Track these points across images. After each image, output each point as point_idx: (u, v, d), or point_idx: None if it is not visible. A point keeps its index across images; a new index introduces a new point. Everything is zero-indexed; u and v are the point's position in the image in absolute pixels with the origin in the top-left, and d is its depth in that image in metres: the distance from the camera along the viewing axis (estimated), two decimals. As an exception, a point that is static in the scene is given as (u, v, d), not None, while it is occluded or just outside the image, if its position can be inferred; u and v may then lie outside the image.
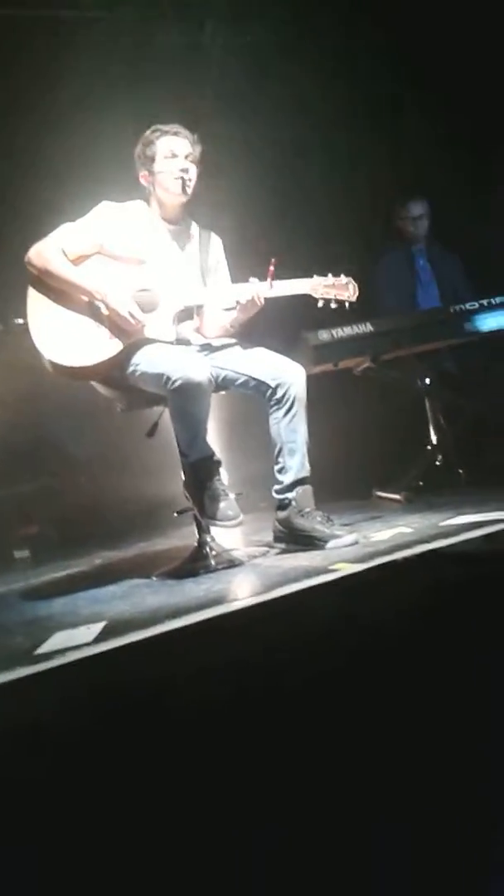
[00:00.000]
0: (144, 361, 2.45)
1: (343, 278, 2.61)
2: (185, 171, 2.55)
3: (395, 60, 4.09)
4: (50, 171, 4.22)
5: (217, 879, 1.17)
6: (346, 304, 2.61)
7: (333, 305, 2.60)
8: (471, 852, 1.25)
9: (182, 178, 2.54)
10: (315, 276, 2.58)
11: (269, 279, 2.50)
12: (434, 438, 3.52)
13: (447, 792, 1.34)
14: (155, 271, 2.54)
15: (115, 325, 2.48)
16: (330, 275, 2.60)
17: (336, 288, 2.59)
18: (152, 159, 2.57)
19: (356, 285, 2.62)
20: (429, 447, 3.51)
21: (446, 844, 1.25)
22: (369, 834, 1.26)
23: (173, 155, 2.56)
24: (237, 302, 2.54)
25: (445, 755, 1.43)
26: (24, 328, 2.51)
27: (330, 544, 2.36)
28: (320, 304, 2.59)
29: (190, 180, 2.56)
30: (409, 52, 4.07)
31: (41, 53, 4.10)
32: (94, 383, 2.65)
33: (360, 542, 2.33)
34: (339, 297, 2.59)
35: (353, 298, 2.61)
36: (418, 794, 1.34)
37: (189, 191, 2.57)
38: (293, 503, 2.48)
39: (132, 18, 4.34)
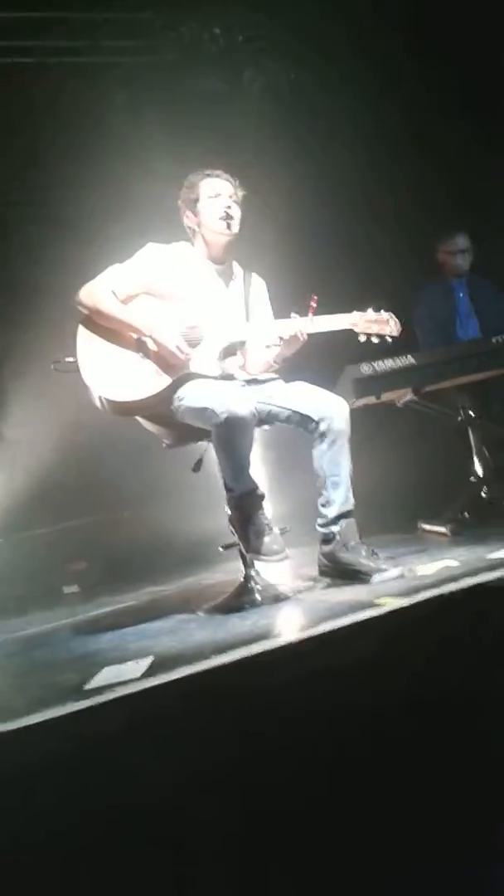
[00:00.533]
0: (189, 396, 2.50)
1: (384, 314, 2.63)
2: (229, 208, 2.62)
3: (437, 94, 4.13)
4: (96, 215, 4.36)
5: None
6: (388, 339, 2.63)
7: (375, 340, 2.62)
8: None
9: (227, 213, 2.61)
10: (355, 311, 2.61)
11: (310, 314, 2.54)
12: (479, 470, 3.49)
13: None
14: (200, 309, 2.60)
15: (162, 359, 2.54)
16: (370, 309, 2.62)
17: (378, 323, 2.62)
18: (196, 200, 2.65)
19: (397, 320, 2.64)
20: (473, 479, 3.48)
21: None
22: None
23: (217, 195, 2.63)
24: (280, 338, 2.58)
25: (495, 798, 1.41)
26: (75, 366, 2.59)
27: (375, 578, 2.35)
28: (362, 338, 2.62)
29: (234, 218, 2.62)
30: (455, 84, 4.12)
31: (82, 98, 4.26)
32: (140, 420, 2.70)
33: (405, 575, 2.32)
34: (381, 332, 2.62)
35: (396, 333, 2.64)
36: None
37: (234, 228, 2.63)
38: (337, 537, 2.48)
39: (173, 63, 4.50)
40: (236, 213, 2.64)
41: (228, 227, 2.62)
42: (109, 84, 4.37)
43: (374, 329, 2.61)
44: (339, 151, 4.28)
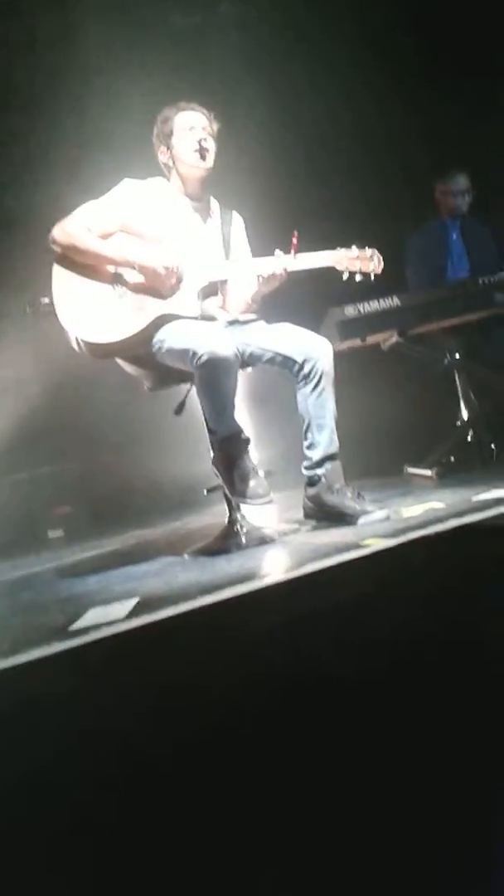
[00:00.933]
0: (170, 337, 2.44)
1: (367, 250, 2.56)
2: (204, 140, 2.55)
3: (425, 30, 4.00)
4: (69, 152, 4.22)
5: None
6: (372, 276, 2.57)
7: (358, 278, 2.55)
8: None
9: (200, 146, 2.54)
10: (339, 248, 2.55)
11: (292, 252, 2.47)
12: (464, 414, 3.49)
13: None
14: (178, 247, 2.53)
15: (145, 290, 2.47)
16: (354, 246, 2.55)
17: (360, 260, 2.55)
18: (170, 134, 2.57)
19: (381, 257, 2.57)
20: (459, 423, 3.48)
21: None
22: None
23: (191, 128, 2.56)
24: (259, 276, 2.52)
25: (473, 742, 1.42)
26: (51, 308, 2.52)
27: (361, 520, 2.35)
28: (345, 276, 2.55)
29: (208, 150, 2.55)
30: (441, 22, 3.98)
31: (54, 32, 4.09)
32: (120, 362, 2.65)
33: (391, 517, 2.32)
34: (364, 270, 2.55)
35: (378, 270, 2.56)
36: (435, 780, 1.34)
37: (208, 160, 2.56)
38: (323, 479, 2.47)
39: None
40: (211, 146, 2.57)
41: (203, 158, 2.55)
42: (82, 17, 4.18)
43: (358, 266, 2.54)
44: (323, 82, 4.15)
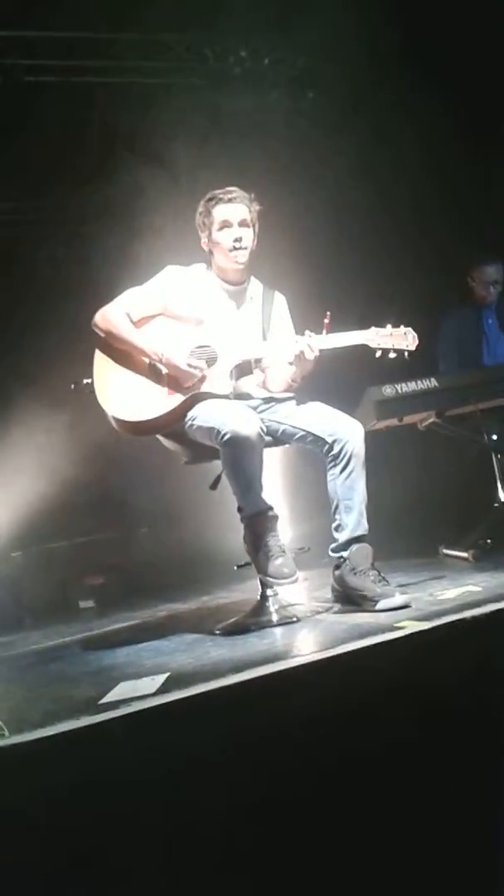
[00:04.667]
0: (200, 415, 2.50)
1: (401, 328, 2.58)
2: (239, 240, 2.60)
3: (464, 121, 4.15)
4: (120, 236, 4.41)
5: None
6: (406, 354, 2.58)
7: (392, 355, 2.56)
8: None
9: (235, 248, 2.59)
10: (372, 327, 2.58)
11: (324, 331, 2.52)
12: (502, 496, 3.45)
13: None
14: (213, 329, 2.61)
15: (175, 381, 2.55)
16: (388, 325, 2.58)
17: (394, 338, 2.57)
18: (209, 225, 2.65)
19: (415, 334, 2.58)
20: (496, 504, 3.44)
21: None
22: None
23: (227, 224, 2.61)
24: (293, 355, 2.56)
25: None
26: (91, 388, 2.61)
27: (380, 604, 2.30)
28: (378, 354, 2.56)
29: (244, 248, 2.61)
30: (480, 113, 4.14)
31: (106, 118, 4.29)
32: (159, 437, 2.71)
33: (411, 604, 2.25)
34: (398, 347, 2.56)
35: (413, 347, 2.57)
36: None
37: (242, 260, 2.62)
38: (347, 561, 2.44)
39: (198, 85, 4.55)
40: (248, 239, 2.62)
41: (237, 260, 2.61)
42: (134, 105, 4.42)
43: (391, 343, 2.56)
44: (363, 172, 4.31)
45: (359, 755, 1.48)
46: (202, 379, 2.55)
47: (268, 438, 2.52)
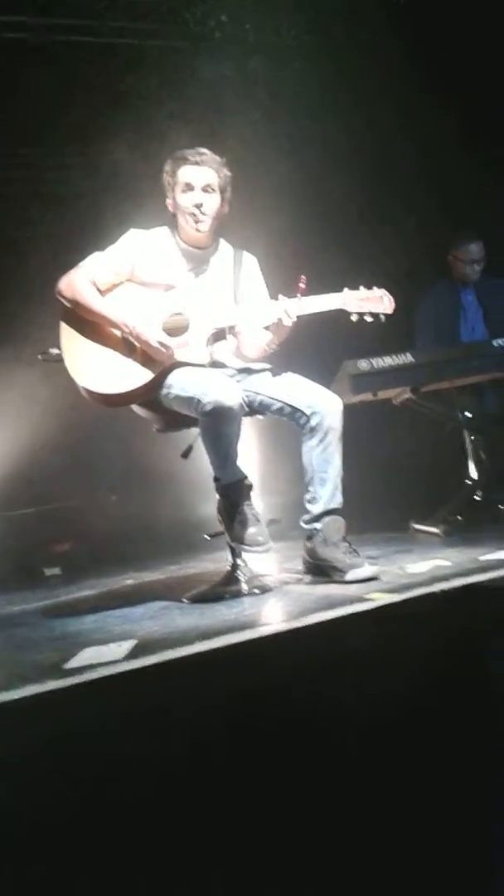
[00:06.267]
0: (176, 385, 2.45)
1: (376, 290, 2.52)
2: (199, 206, 2.51)
3: (454, 98, 4.11)
4: (85, 197, 4.32)
5: None
6: (382, 317, 2.52)
7: (368, 319, 2.50)
8: None
9: (195, 213, 2.52)
10: (346, 289, 2.52)
11: (298, 295, 2.46)
12: (474, 472, 3.47)
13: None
14: (184, 295, 2.54)
15: (147, 354, 2.49)
16: (362, 287, 2.52)
17: (370, 301, 2.50)
18: (173, 187, 2.57)
19: (391, 297, 2.52)
20: (468, 481, 3.46)
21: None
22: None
23: (190, 188, 2.53)
24: (271, 321, 2.52)
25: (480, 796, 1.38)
26: (60, 358, 2.53)
27: (349, 575, 2.29)
28: (354, 318, 2.51)
29: (204, 215, 2.52)
30: (466, 85, 4.10)
31: (83, 78, 4.18)
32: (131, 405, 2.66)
33: (380, 576, 2.25)
34: (374, 311, 2.50)
35: (389, 310, 2.52)
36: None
37: (203, 229, 2.54)
38: (319, 533, 2.43)
39: (178, 48, 4.45)
40: (210, 206, 2.53)
41: (196, 227, 2.53)
42: (112, 66, 4.30)
43: (367, 307, 2.49)
44: (343, 140, 4.26)
45: (325, 724, 1.48)
46: (171, 354, 2.49)
47: (245, 408, 2.49)
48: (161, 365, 2.48)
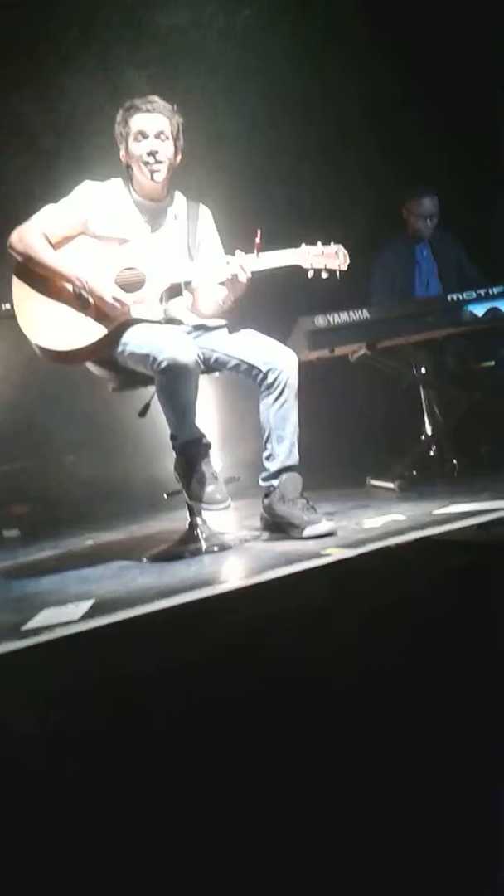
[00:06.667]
0: (132, 342, 2.42)
1: (332, 246, 2.51)
2: (154, 153, 2.46)
3: (404, 58, 4.05)
4: (38, 148, 4.19)
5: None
6: (337, 273, 2.51)
7: (324, 275, 2.50)
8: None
9: (148, 161, 2.47)
10: (303, 244, 2.51)
11: (255, 251, 2.44)
12: (428, 428, 3.51)
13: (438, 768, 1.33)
14: (139, 249, 2.50)
15: (101, 309, 2.45)
16: (319, 243, 2.51)
17: (326, 257, 2.50)
18: (126, 136, 2.51)
19: (346, 253, 2.52)
20: (423, 437, 3.50)
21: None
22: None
23: (143, 135, 2.48)
24: (227, 277, 2.49)
25: (441, 742, 1.42)
26: (12, 313, 2.48)
27: (306, 531, 2.31)
28: (310, 274, 2.50)
29: (159, 163, 2.47)
30: (415, 43, 4.04)
31: (36, 28, 4.04)
32: (86, 363, 2.62)
33: (337, 532, 2.27)
34: (330, 266, 2.50)
35: (344, 267, 2.51)
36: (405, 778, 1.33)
37: (158, 178, 2.49)
38: (277, 490, 2.45)
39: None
40: (165, 153, 2.48)
41: (151, 177, 2.49)
42: (64, 17, 4.14)
43: (323, 263, 2.49)
44: (296, 93, 4.19)
45: (282, 678, 1.50)
46: (127, 309, 2.45)
47: (201, 366, 2.47)
48: (115, 321, 2.44)
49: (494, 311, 3.23)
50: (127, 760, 1.26)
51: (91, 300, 2.44)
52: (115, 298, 2.41)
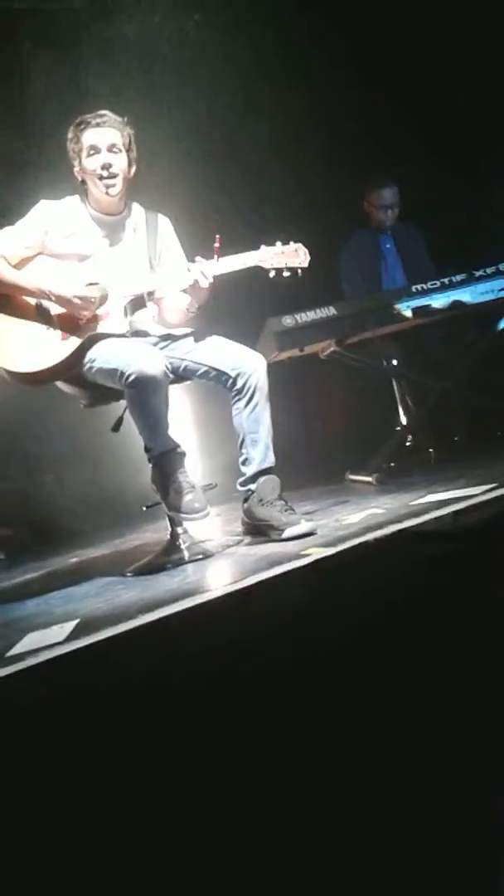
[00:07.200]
0: (99, 358, 2.42)
1: (292, 244, 2.52)
2: (108, 166, 2.47)
3: (349, 53, 4.07)
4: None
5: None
6: (299, 272, 2.52)
7: (286, 274, 2.51)
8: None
9: (103, 176, 2.47)
10: (262, 246, 2.51)
11: (215, 256, 2.45)
12: (403, 419, 3.53)
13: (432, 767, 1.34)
14: (99, 264, 2.50)
15: (67, 321, 2.45)
16: (279, 242, 2.52)
17: (286, 255, 2.50)
18: (79, 154, 2.52)
19: (306, 250, 2.53)
20: (398, 428, 3.52)
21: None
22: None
23: (95, 150, 2.48)
24: (189, 284, 2.49)
25: (425, 728, 1.43)
26: None
27: (286, 533, 2.31)
28: (272, 274, 2.50)
29: (114, 176, 2.48)
30: (365, 46, 4.07)
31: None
32: (57, 382, 2.61)
33: (316, 531, 2.28)
34: (291, 265, 2.50)
35: (305, 264, 2.52)
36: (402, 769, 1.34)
37: (114, 192, 2.50)
38: (255, 494, 2.45)
39: (83, 11, 4.30)
40: (119, 166, 2.49)
41: (108, 191, 2.50)
42: (9, 31, 4.12)
43: (284, 262, 2.50)
44: (248, 96, 4.20)
45: (272, 680, 1.51)
46: (96, 319, 2.46)
47: (170, 376, 2.48)
48: (84, 332, 2.44)
49: (458, 303, 3.25)
50: (121, 774, 1.26)
51: (54, 311, 2.43)
52: (78, 297, 2.40)
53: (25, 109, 4.10)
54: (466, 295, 3.29)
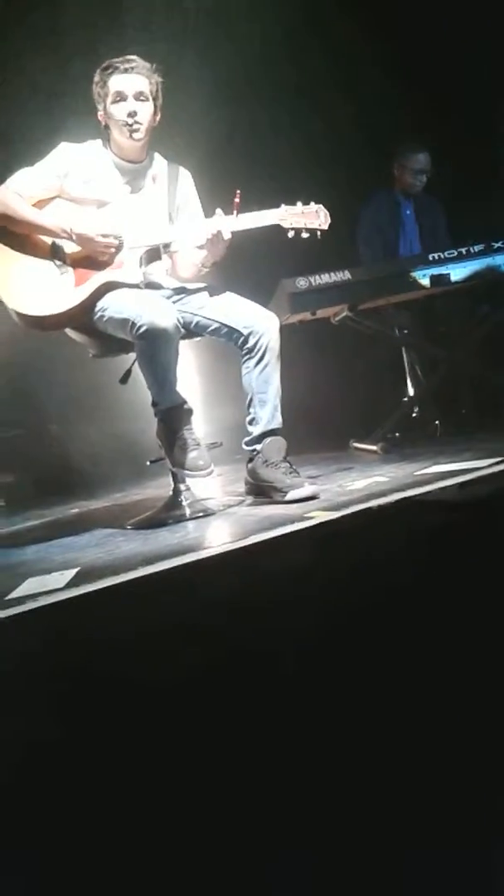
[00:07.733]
0: (111, 307, 2.39)
1: (312, 205, 2.48)
2: (133, 114, 2.41)
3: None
4: (14, 110, 4.09)
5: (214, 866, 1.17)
6: (318, 233, 2.49)
7: (305, 235, 2.47)
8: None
9: (128, 123, 2.42)
10: (283, 205, 2.47)
11: (234, 211, 2.41)
12: (411, 390, 3.52)
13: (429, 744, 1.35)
14: (117, 213, 2.46)
15: (84, 262, 2.41)
16: (299, 203, 2.48)
17: (306, 216, 2.47)
18: (105, 97, 2.46)
19: (327, 212, 2.49)
20: (405, 398, 3.51)
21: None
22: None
23: (122, 97, 2.42)
24: (206, 238, 2.46)
25: (422, 705, 1.44)
26: None
27: (289, 495, 2.31)
28: (290, 234, 2.47)
29: (139, 124, 2.43)
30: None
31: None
32: (66, 330, 2.59)
33: (319, 495, 2.27)
34: (310, 226, 2.47)
35: (325, 226, 2.48)
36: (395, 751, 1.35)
37: (138, 137, 2.44)
38: (260, 454, 2.44)
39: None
40: (144, 114, 2.43)
41: (131, 136, 2.44)
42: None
43: (303, 223, 2.46)
44: (279, 47, 4.10)
45: (267, 643, 1.52)
46: (111, 266, 2.42)
47: (181, 330, 2.45)
48: (97, 280, 2.40)
49: (480, 273, 3.22)
50: (113, 732, 1.27)
51: (73, 249, 2.39)
52: (101, 235, 2.37)
53: (39, 53, 4.01)
54: (483, 266, 3.25)
